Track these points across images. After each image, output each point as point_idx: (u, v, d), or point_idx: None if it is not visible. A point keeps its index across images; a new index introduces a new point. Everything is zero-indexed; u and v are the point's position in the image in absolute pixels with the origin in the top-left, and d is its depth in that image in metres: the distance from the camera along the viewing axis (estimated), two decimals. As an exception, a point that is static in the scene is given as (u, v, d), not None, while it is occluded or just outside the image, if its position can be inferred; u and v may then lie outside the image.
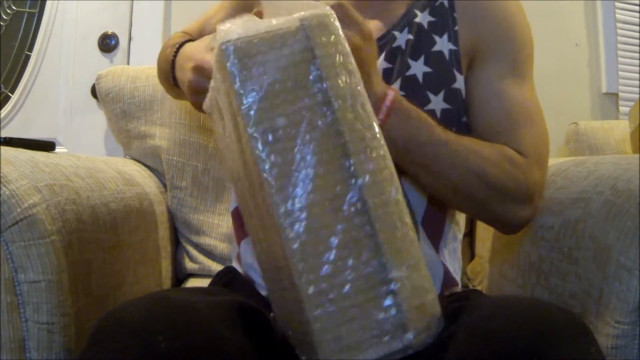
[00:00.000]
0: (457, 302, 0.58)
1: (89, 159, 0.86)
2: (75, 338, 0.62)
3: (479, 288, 0.99)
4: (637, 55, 1.67)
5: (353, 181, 0.51)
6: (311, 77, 0.52)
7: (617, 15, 1.66)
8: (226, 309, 0.54)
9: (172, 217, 1.09)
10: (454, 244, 0.76)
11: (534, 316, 0.48)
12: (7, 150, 0.64)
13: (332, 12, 0.53)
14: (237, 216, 0.80)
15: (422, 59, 0.72)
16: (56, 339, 0.59)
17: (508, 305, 0.51)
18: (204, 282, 0.81)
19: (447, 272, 0.74)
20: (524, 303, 0.52)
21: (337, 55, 0.52)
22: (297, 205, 0.51)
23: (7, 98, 1.53)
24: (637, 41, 1.67)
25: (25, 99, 1.53)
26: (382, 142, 0.53)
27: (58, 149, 1.38)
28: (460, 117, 0.73)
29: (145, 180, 1.02)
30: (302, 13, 0.52)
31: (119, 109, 1.14)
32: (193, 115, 1.11)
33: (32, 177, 0.62)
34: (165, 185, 1.10)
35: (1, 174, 0.59)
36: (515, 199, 0.67)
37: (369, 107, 0.53)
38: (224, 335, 0.49)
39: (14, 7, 1.56)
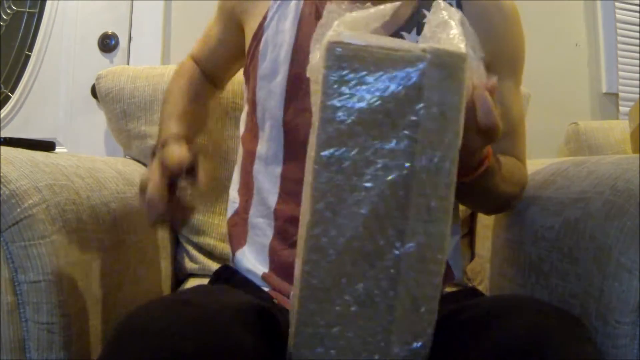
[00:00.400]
0: (455, 302, 0.59)
1: (89, 159, 0.85)
2: (75, 338, 0.62)
3: (479, 288, 0.99)
4: (637, 55, 1.67)
5: (399, 245, 0.46)
6: (407, 120, 0.45)
7: (617, 15, 1.66)
8: (247, 313, 0.54)
9: (172, 217, 1.09)
10: (454, 237, 0.77)
11: (530, 315, 0.48)
12: (7, 150, 0.64)
13: (467, 55, 0.45)
14: (233, 225, 0.80)
15: None
16: (56, 339, 0.59)
17: (505, 305, 0.51)
18: (204, 282, 0.81)
19: (447, 267, 0.74)
20: (521, 302, 0.52)
21: (447, 107, 0.45)
22: (331, 244, 0.47)
23: (7, 98, 1.53)
24: (637, 41, 1.67)
25: (25, 99, 1.53)
26: (449, 219, 0.47)
27: (58, 149, 1.38)
28: None
29: (145, 180, 1.02)
30: (433, 44, 0.45)
31: (119, 109, 1.14)
32: (193, 115, 1.11)
33: (32, 177, 0.62)
34: (165, 185, 1.10)
35: (1, 174, 0.59)
36: (519, 200, 0.79)
37: (453, 176, 0.46)
38: (244, 338, 0.49)
39: (14, 7, 1.56)
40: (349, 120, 0.45)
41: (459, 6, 0.75)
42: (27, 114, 1.53)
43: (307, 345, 0.49)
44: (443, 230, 0.47)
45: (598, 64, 1.66)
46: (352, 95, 0.45)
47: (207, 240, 1.08)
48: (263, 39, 0.76)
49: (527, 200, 0.81)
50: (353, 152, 0.46)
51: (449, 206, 0.47)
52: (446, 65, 0.45)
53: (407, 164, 0.46)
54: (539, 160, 0.93)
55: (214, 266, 1.06)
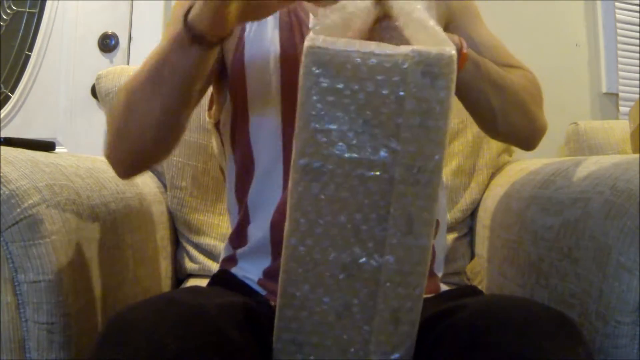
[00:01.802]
0: (450, 301, 0.59)
1: (89, 159, 0.85)
2: (75, 338, 0.62)
3: (479, 287, 0.99)
4: (637, 55, 1.67)
5: (377, 256, 0.45)
6: (386, 129, 0.44)
7: (617, 15, 1.66)
8: (234, 310, 0.54)
9: (172, 217, 1.09)
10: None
11: (520, 316, 0.48)
12: (7, 150, 0.64)
13: (454, 54, 0.43)
14: (228, 245, 0.80)
15: None
16: (56, 339, 0.59)
17: (496, 305, 0.51)
18: (204, 283, 0.81)
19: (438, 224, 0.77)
20: (512, 303, 0.52)
21: (430, 117, 0.43)
22: (308, 253, 0.46)
23: (7, 98, 1.53)
24: (637, 41, 1.67)
25: (25, 99, 1.53)
26: (430, 231, 0.46)
27: (58, 149, 1.38)
28: None
29: (145, 180, 1.02)
30: (416, 47, 0.43)
31: (119, 109, 1.14)
32: (193, 115, 1.11)
33: (32, 177, 0.62)
34: (165, 185, 1.10)
35: (1, 174, 0.59)
36: (540, 105, 0.79)
37: (435, 187, 0.45)
38: (232, 337, 0.49)
39: (14, 7, 1.56)
40: (327, 129, 0.44)
41: None
42: (27, 114, 1.53)
43: (286, 352, 0.49)
44: (424, 243, 0.45)
45: (598, 64, 1.66)
46: (330, 103, 0.43)
47: (207, 240, 1.08)
48: (246, 53, 0.74)
49: (527, 200, 0.81)
50: (330, 162, 0.44)
51: (431, 218, 0.45)
52: (430, 70, 0.42)
53: (387, 175, 0.44)
54: (539, 160, 0.93)
55: (214, 266, 1.06)
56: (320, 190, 0.45)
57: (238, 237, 0.76)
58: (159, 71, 0.64)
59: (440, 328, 0.51)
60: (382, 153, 0.44)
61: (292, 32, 0.72)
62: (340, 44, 0.43)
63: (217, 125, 0.81)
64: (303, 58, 0.44)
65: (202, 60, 0.61)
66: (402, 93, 0.43)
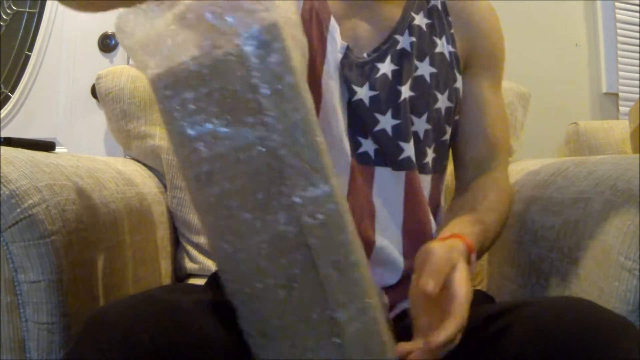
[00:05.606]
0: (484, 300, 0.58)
1: (89, 159, 0.85)
2: (75, 338, 0.62)
3: (479, 288, 0.99)
4: (637, 55, 1.67)
5: (293, 220, 0.47)
6: (249, 109, 0.46)
7: (617, 15, 1.66)
8: (211, 307, 0.54)
9: (172, 217, 1.09)
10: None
11: (587, 316, 0.48)
12: (7, 150, 0.64)
13: (277, 21, 0.45)
14: None
15: (427, 60, 0.74)
16: (56, 339, 0.59)
17: (560, 305, 0.51)
18: (204, 282, 0.81)
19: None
20: (576, 303, 0.52)
21: (278, 81, 0.46)
22: (232, 248, 0.48)
23: (7, 98, 1.53)
24: (637, 41, 1.67)
25: (25, 99, 1.53)
26: (328, 173, 0.47)
27: (58, 149, 1.38)
28: (455, 115, 0.76)
29: (145, 180, 1.02)
30: (239, 30, 0.45)
31: (119, 109, 1.14)
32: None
33: (32, 177, 0.62)
34: (165, 185, 1.10)
35: (1, 174, 0.59)
36: (505, 222, 0.75)
37: (314, 135, 0.47)
38: (208, 333, 0.50)
39: (14, 7, 1.56)
40: (200, 134, 0.46)
41: (444, 5, 0.77)
42: (27, 114, 1.53)
43: (259, 344, 0.49)
44: (327, 189, 0.47)
45: (598, 64, 1.66)
46: (193, 112, 0.46)
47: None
48: None
49: (527, 200, 0.81)
50: (216, 161, 0.46)
51: (324, 162, 0.47)
52: (260, 42, 0.45)
53: (266, 148, 0.46)
54: (539, 160, 0.94)
55: (214, 266, 1.06)
56: (219, 189, 0.47)
57: None
58: None
59: (499, 325, 0.51)
60: (255, 130, 0.46)
61: (308, 27, 0.71)
62: (177, 59, 0.46)
63: None
64: (151, 86, 0.47)
65: None
66: (246, 73, 0.45)
